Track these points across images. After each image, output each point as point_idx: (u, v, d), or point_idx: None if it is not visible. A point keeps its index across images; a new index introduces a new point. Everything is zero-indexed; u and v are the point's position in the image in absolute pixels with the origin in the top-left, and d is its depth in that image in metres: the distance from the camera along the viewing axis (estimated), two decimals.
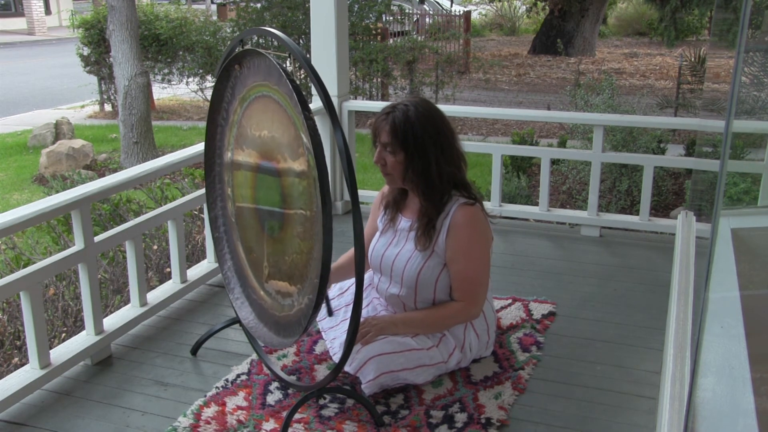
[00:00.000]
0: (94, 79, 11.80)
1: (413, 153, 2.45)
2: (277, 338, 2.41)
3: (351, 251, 2.76)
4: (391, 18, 13.23)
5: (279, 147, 2.25)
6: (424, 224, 2.51)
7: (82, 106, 12.16)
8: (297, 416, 2.33)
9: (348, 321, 2.27)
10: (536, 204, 4.25)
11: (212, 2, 22.87)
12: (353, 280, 2.77)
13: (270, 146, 2.30)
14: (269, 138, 2.30)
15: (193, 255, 4.48)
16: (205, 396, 2.49)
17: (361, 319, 2.49)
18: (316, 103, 4.06)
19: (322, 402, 2.41)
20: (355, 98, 10.13)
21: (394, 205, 2.67)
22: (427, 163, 2.46)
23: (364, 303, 2.73)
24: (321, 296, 2.09)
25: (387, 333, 2.47)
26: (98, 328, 2.78)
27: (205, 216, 3.47)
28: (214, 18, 13.34)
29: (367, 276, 2.76)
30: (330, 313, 2.72)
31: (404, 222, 2.62)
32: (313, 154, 2.00)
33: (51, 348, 2.66)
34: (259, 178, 2.40)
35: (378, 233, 2.71)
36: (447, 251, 2.50)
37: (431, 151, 2.45)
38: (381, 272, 2.65)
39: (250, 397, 2.47)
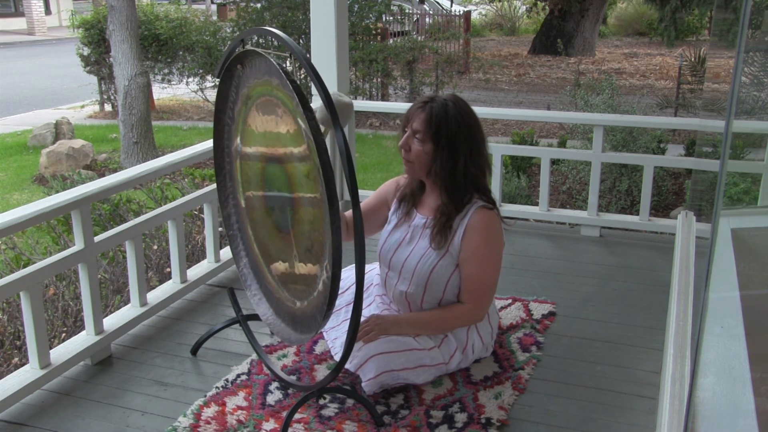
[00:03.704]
0: (94, 79, 11.81)
1: (443, 147, 2.45)
2: (294, 334, 2.40)
3: (346, 213, 2.71)
4: (391, 18, 13.23)
5: (282, 140, 2.26)
6: (442, 223, 2.50)
7: (82, 106, 12.16)
8: (297, 416, 2.33)
9: (349, 321, 2.27)
10: (536, 204, 4.25)
11: (212, 2, 22.87)
12: (354, 279, 2.77)
13: (274, 140, 2.30)
14: (273, 133, 2.30)
15: (193, 255, 4.48)
16: (205, 396, 2.49)
17: (364, 318, 2.49)
18: (316, 103, 4.05)
19: (322, 402, 2.41)
20: (355, 98, 10.13)
21: (411, 199, 2.66)
22: (455, 161, 2.45)
23: (366, 303, 2.73)
24: (333, 295, 2.09)
25: (390, 333, 2.46)
26: (98, 328, 2.78)
27: (206, 216, 3.47)
28: (214, 18, 13.34)
29: (367, 276, 2.76)
30: None
31: (419, 218, 2.61)
32: (316, 153, 2.00)
33: (51, 348, 2.66)
34: (267, 168, 2.40)
35: (390, 227, 2.69)
36: (461, 252, 2.50)
37: (462, 150, 2.45)
38: (390, 268, 2.64)
39: (250, 397, 2.47)
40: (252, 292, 2.60)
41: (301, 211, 2.27)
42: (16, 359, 3.54)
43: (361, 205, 2.66)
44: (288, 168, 2.28)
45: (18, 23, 25.59)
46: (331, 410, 2.38)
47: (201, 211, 4.63)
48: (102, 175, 7.54)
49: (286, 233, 2.38)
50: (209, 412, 2.39)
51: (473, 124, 2.50)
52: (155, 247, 4.56)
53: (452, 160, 2.46)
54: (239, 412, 2.38)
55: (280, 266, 2.47)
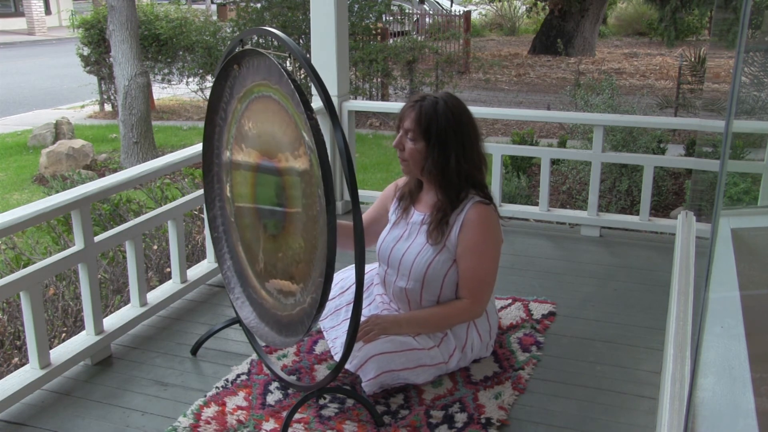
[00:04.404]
0: (94, 79, 11.81)
1: (434, 144, 2.47)
2: (279, 338, 2.41)
3: (345, 224, 2.73)
4: (391, 18, 13.23)
5: (279, 146, 2.25)
6: (439, 219, 2.52)
7: (82, 106, 12.16)
8: (297, 416, 2.33)
9: (349, 321, 2.27)
10: (536, 204, 4.25)
11: (212, 2, 22.87)
12: (353, 279, 2.77)
13: (270, 145, 2.30)
14: (269, 137, 2.30)
15: (193, 255, 4.48)
16: (205, 396, 2.49)
17: (364, 318, 2.49)
18: (316, 103, 4.06)
19: (322, 402, 2.41)
20: (355, 98, 10.13)
21: (409, 197, 2.68)
22: (447, 158, 2.47)
23: (366, 302, 2.73)
24: (325, 297, 2.09)
25: (390, 333, 2.46)
26: (98, 328, 2.78)
27: (205, 216, 3.47)
28: (214, 18, 13.34)
29: (367, 276, 2.76)
30: None
31: (417, 215, 2.63)
32: (316, 153, 2.00)
33: (51, 348, 2.66)
34: (258, 177, 2.40)
35: (389, 225, 2.71)
36: (458, 247, 2.51)
37: (452, 147, 2.47)
38: (388, 265, 2.65)
39: (250, 397, 2.47)
40: (235, 296, 2.60)
41: (293, 224, 2.27)
42: (16, 359, 3.54)
43: (364, 215, 2.68)
44: (285, 179, 2.27)
45: (18, 23, 25.59)
46: (331, 410, 2.38)
47: (201, 211, 4.63)
48: (102, 175, 7.54)
49: (275, 238, 2.38)
50: (209, 412, 2.39)
51: (465, 120, 2.50)
52: (155, 247, 4.56)
53: (444, 156, 2.47)
54: (239, 412, 2.38)
55: (265, 272, 2.47)
